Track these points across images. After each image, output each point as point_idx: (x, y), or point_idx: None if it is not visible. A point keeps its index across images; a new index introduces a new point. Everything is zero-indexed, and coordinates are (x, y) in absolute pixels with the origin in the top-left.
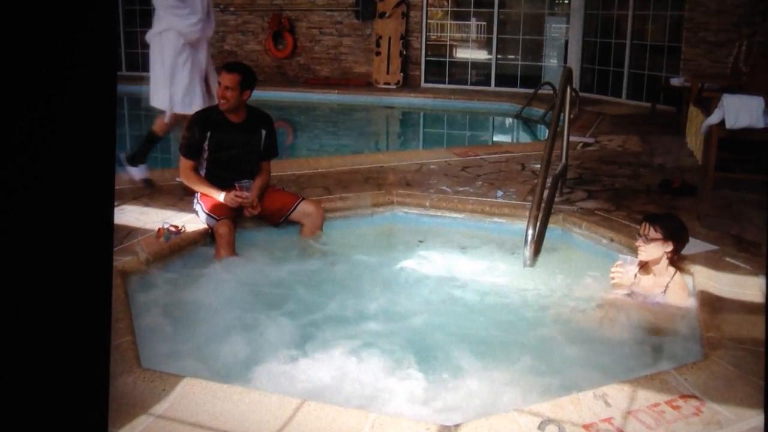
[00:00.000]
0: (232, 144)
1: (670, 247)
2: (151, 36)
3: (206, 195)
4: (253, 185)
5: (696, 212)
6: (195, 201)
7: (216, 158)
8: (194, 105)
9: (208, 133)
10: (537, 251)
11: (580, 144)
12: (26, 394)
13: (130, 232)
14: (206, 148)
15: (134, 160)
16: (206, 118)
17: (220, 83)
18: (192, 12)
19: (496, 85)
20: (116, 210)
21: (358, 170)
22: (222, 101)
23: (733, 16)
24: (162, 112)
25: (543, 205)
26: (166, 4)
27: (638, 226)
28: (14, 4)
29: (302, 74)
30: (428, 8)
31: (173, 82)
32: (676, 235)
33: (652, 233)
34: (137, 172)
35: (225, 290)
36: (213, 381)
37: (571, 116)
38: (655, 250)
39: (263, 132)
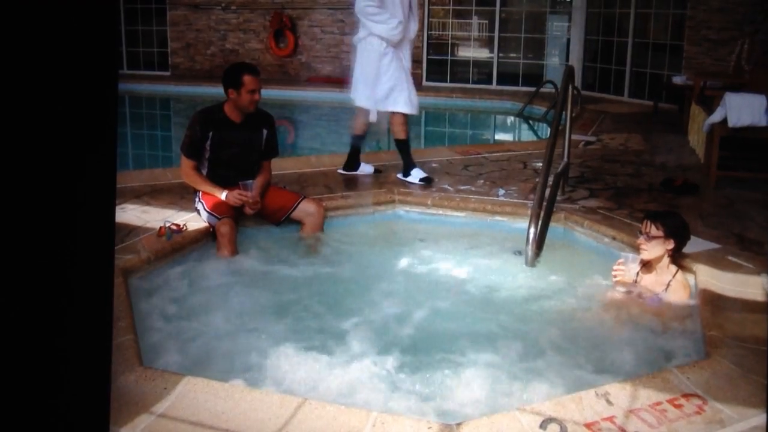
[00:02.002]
0: (234, 143)
1: (671, 245)
2: (356, 40)
3: (208, 194)
4: (255, 184)
5: (698, 211)
6: (196, 200)
7: (217, 157)
8: (398, 104)
9: (210, 133)
10: (539, 250)
11: (582, 142)
12: (27, 392)
13: (132, 230)
14: (208, 147)
15: (349, 168)
16: (208, 118)
17: (253, 90)
18: (392, 15)
19: (497, 84)
20: (118, 209)
21: None
22: (254, 104)
23: (736, 14)
24: (356, 114)
25: (545, 203)
26: (366, 11)
27: (640, 225)
28: (13, 2)
29: (304, 73)
30: (430, 6)
31: (377, 83)
32: (677, 232)
33: (654, 231)
34: (361, 172)
35: (226, 289)
36: (214, 380)
37: (573, 115)
38: (656, 247)
39: (264, 131)
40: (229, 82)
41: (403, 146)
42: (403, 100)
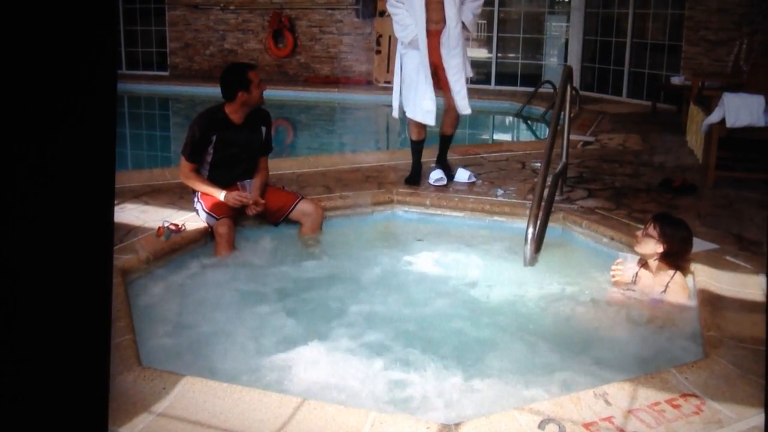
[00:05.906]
0: (237, 144)
1: (660, 249)
2: None
3: (206, 194)
4: (253, 184)
5: (696, 211)
6: (195, 200)
7: (220, 158)
8: (406, 106)
9: (214, 137)
10: (537, 250)
11: (581, 143)
12: (26, 392)
13: (131, 230)
14: (210, 150)
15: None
16: (210, 121)
17: (259, 83)
18: (406, 15)
19: (496, 84)
20: (116, 208)
21: (359, 169)
22: (263, 96)
23: (734, 15)
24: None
25: (543, 203)
26: (388, 5)
27: (638, 225)
28: (13, 2)
29: (302, 73)
30: None
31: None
32: (670, 240)
33: (651, 230)
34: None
35: (224, 289)
36: (213, 379)
37: (572, 115)
38: (647, 246)
39: (263, 129)
40: (236, 85)
41: (412, 146)
42: (410, 104)
